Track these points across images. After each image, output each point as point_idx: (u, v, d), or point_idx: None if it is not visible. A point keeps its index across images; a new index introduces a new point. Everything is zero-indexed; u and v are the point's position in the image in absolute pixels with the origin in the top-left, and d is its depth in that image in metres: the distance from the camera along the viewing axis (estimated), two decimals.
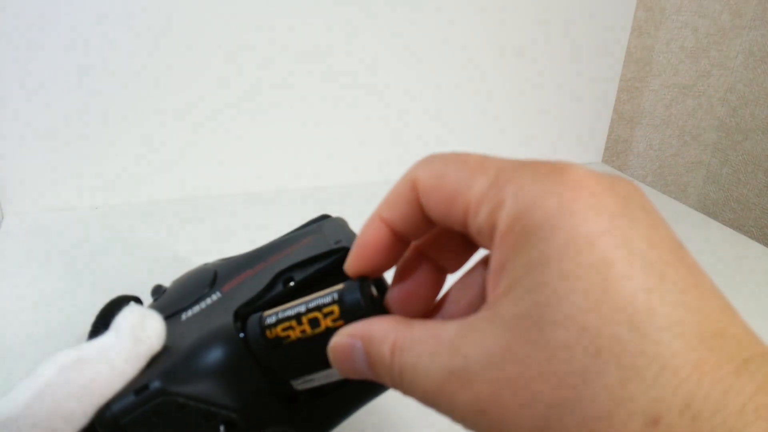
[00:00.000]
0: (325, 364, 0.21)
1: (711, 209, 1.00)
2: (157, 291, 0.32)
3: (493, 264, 0.16)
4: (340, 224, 0.28)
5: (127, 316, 0.23)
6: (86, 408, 0.21)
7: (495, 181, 0.16)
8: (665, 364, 0.12)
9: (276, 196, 0.67)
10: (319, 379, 0.22)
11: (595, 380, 0.13)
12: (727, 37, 0.88)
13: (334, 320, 0.20)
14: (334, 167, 0.70)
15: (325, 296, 0.21)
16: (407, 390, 0.17)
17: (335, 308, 0.20)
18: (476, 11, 0.68)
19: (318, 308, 0.21)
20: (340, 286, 0.21)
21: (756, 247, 0.59)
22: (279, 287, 0.23)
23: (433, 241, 0.20)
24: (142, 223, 0.59)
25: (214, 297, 0.26)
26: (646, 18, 0.83)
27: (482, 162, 0.17)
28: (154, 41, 0.58)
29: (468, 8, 0.68)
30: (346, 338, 0.19)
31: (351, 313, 0.20)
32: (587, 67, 0.76)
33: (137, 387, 0.21)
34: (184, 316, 0.26)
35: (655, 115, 0.91)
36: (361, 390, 0.24)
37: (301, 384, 0.22)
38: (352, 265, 0.20)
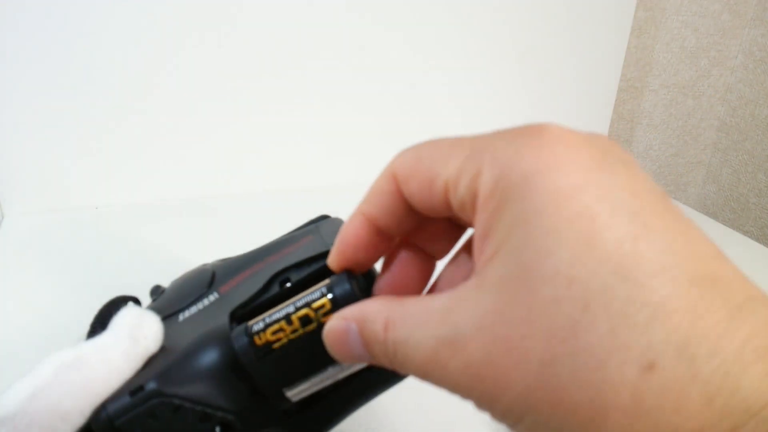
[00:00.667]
0: (320, 364, 0.21)
1: (711, 209, 1.00)
2: (156, 291, 0.32)
3: (477, 231, 0.16)
4: (338, 225, 0.28)
5: (125, 316, 0.23)
6: (83, 407, 0.21)
7: (471, 153, 0.16)
8: (657, 310, 0.12)
9: (276, 196, 0.67)
10: (314, 384, 0.21)
11: (586, 332, 0.13)
12: (727, 36, 0.88)
13: (325, 314, 0.20)
14: (335, 167, 0.70)
15: (313, 292, 0.21)
16: (402, 365, 0.17)
17: (326, 301, 0.20)
18: (476, 11, 0.68)
19: (308, 304, 0.20)
20: (327, 281, 0.20)
21: (756, 247, 0.59)
22: (275, 288, 0.23)
23: (418, 231, 0.20)
24: (142, 223, 0.59)
25: (212, 298, 0.26)
26: (646, 18, 0.83)
27: (456, 140, 0.17)
28: (155, 42, 0.58)
29: (468, 9, 0.68)
30: (340, 321, 0.18)
31: (343, 303, 0.20)
32: (587, 67, 0.76)
33: (133, 388, 0.21)
34: (181, 317, 0.26)
35: (655, 115, 0.91)
36: (358, 390, 0.24)
37: (297, 394, 0.22)
38: (334, 260, 0.20)
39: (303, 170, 0.69)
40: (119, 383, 0.22)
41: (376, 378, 0.23)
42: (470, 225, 0.17)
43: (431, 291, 0.20)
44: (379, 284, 0.20)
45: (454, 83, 0.71)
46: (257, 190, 0.68)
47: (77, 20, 0.55)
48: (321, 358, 0.20)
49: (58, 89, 0.57)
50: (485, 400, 0.15)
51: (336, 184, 0.70)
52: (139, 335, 0.23)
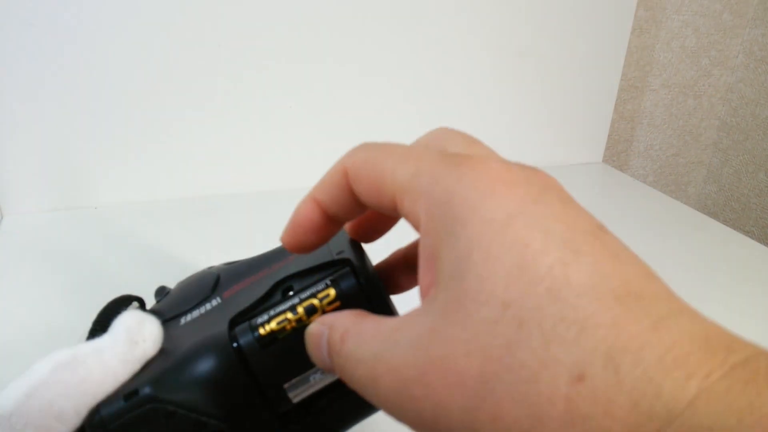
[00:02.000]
0: None
1: (711, 209, 1.00)
2: (161, 292, 0.32)
3: (421, 253, 0.17)
4: (343, 234, 0.28)
5: (125, 318, 0.23)
6: (78, 408, 0.21)
7: (416, 172, 0.17)
8: (584, 326, 0.13)
9: (277, 196, 0.67)
10: (316, 381, 0.21)
11: (520, 349, 0.13)
12: (728, 36, 0.88)
13: (330, 303, 0.20)
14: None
15: (318, 283, 0.21)
16: (346, 379, 0.17)
17: (331, 291, 0.20)
18: (476, 11, 0.68)
19: (313, 294, 0.21)
20: (332, 272, 0.21)
21: (756, 247, 0.59)
22: (277, 296, 0.23)
23: (364, 221, 0.22)
24: (141, 223, 0.59)
25: (214, 303, 0.26)
26: (646, 17, 0.83)
27: (406, 152, 0.18)
28: (155, 42, 0.58)
29: (468, 8, 0.68)
30: (318, 325, 0.19)
31: (348, 294, 0.20)
32: (588, 67, 0.76)
33: (127, 392, 0.21)
34: (183, 321, 0.26)
35: (656, 115, 0.91)
36: (356, 405, 0.23)
37: (299, 393, 0.22)
38: (285, 240, 0.21)
39: (303, 170, 0.69)
40: (115, 385, 0.22)
41: None
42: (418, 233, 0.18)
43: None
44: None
45: (453, 83, 0.71)
46: (257, 190, 0.68)
47: (77, 20, 0.55)
48: None
49: (58, 89, 0.57)
50: (420, 423, 0.15)
51: None
52: (137, 338, 0.23)
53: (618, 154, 0.93)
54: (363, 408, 0.23)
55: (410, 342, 0.15)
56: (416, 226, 0.17)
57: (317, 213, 0.20)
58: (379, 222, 0.23)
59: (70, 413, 0.21)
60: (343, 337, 0.18)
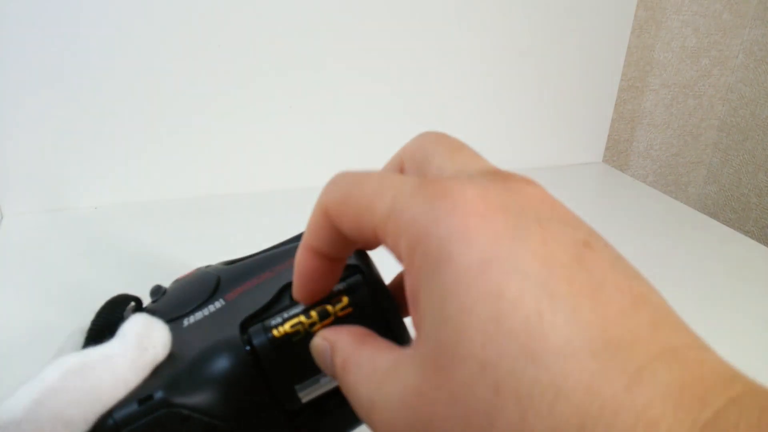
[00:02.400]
0: None
1: (711, 209, 1.00)
2: (157, 292, 0.31)
3: (407, 291, 0.16)
4: None
5: (133, 324, 0.23)
6: (87, 415, 0.21)
7: (392, 207, 0.16)
8: (559, 390, 0.13)
9: (277, 196, 0.67)
10: (326, 382, 0.22)
11: (498, 418, 0.13)
12: (728, 36, 0.88)
13: (343, 308, 0.21)
14: (336, 166, 0.70)
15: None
16: (348, 400, 0.18)
17: (344, 298, 0.21)
18: (476, 11, 0.68)
19: (327, 299, 0.21)
20: (345, 278, 0.21)
21: (756, 247, 0.59)
22: (286, 300, 0.23)
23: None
24: (141, 223, 0.59)
25: (218, 305, 0.26)
26: (646, 17, 0.83)
27: (381, 184, 0.17)
28: (155, 41, 0.58)
29: (468, 8, 0.68)
30: (320, 340, 0.20)
31: (359, 300, 0.20)
32: (587, 67, 0.76)
33: (141, 396, 0.21)
34: (185, 323, 0.26)
35: (656, 115, 0.91)
36: None
37: (308, 393, 0.22)
38: (297, 294, 0.21)
39: (304, 170, 0.69)
40: (125, 392, 0.21)
41: None
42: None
43: None
44: None
45: (454, 83, 0.71)
46: (258, 190, 0.68)
47: (76, 20, 0.55)
48: None
49: (58, 89, 0.57)
50: None
51: None
52: (147, 344, 0.23)
53: (618, 154, 0.93)
54: None
55: (400, 398, 0.15)
56: (400, 262, 0.17)
57: (316, 259, 0.20)
58: None
59: (79, 420, 0.20)
60: (344, 366, 0.18)
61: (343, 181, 0.19)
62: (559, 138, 0.80)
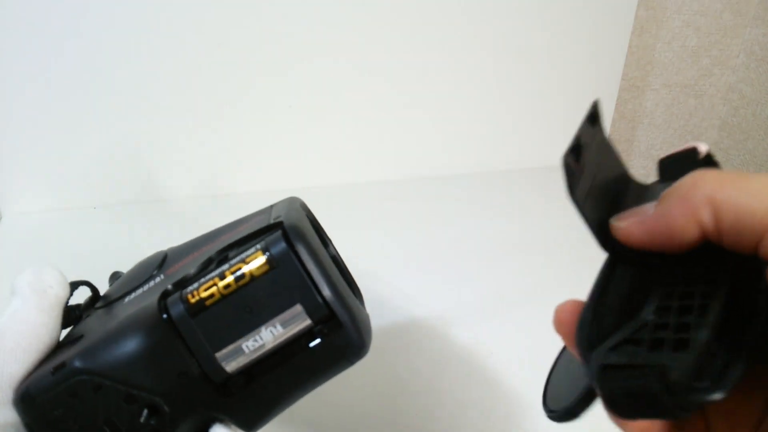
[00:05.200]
0: (253, 323, 0.20)
1: None
2: (114, 277, 0.32)
3: None
4: (290, 202, 0.27)
5: (22, 276, 0.23)
6: (29, 368, 0.21)
7: None
8: None
9: (278, 196, 0.66)
10: (251, 350, 0.21)
11: None
12: (729, 36, 0.88)
13: (259, 267, 0.20)
14: (338, 166, 0.70)
15: (248, 248, 0.20)
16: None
17: (260, 256, 0.20)
18: (476, 11, 0.68)
19: (242, 260, 0.20)
20: (262, 238, 0.20)
21: None
22: (213, 267, 0.22)
23: None
24: (141, 222, 0.59)
25: (158, 280, 0.25)
26: (647, 17, 0.82)
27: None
28: (155, 41, 0.58)
29: (468, 8, 0.67)
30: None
31: (279, 260, 0.19)
32: (588, 67, 0.76)
33: (55, 365, 0.21)
34: (126, 300, 0.25)
35: (657, 115, 0.91)
36: (301, 368, 0.22)
37: (233, 362, 0.21)
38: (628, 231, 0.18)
39: (304, 169, 0.69)
40: (49, 336, 0.22)
41: (321, 356, 0.22)
42: None
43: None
44: None
45: (454, 84, 0.71)
46: (258, 190, 0.68)
47: (77, 19, 0.55)
48: (255, 317, 0.20)
49: (58, 89, 0.57)
50: None
51: (338, 184, 0.70)
52: (43, 286, 0.23)
53: None
54: (306, 377, 0.23)
55: None
56: None
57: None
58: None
59: (22, 374, 0.21)
60: None
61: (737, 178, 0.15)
62: (559, 138, 0.79)
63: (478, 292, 0.52)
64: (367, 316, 0.24)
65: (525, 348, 0.44)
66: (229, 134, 0.64)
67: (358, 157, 0.70)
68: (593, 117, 0.20)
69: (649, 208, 0.17)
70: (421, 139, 0.72)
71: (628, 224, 0.17)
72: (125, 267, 0.50)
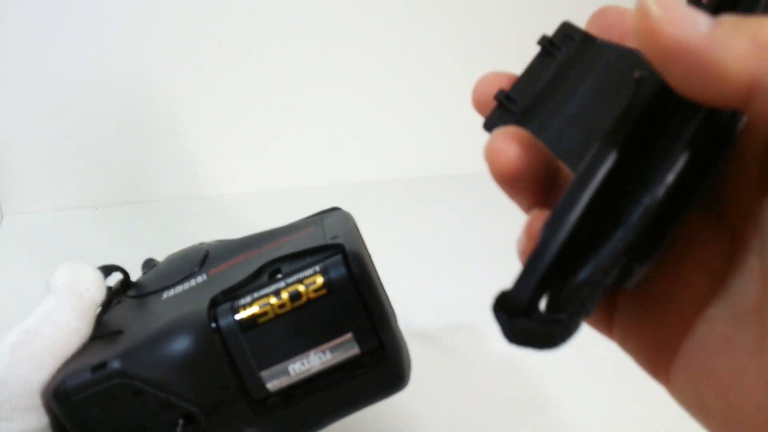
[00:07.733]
0: (303, 346, 0.20)
1: None
2: (147, 265, 0.31)
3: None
4: (344, 218, 0.26)
5: (58, 274, 0.22)
6: (54, 372, 0.20)
7: None
8: None
9: (279, 195, 0.66)
10: (296, 372, 0.21)
11: None
12: None
13: (316, 290, 0.19)
14: (338, 166, 0.70)
15: (306, 269, 0.20)
16: None
17: (318, 278, 0.20)
18: (475, 10, 0.68)
19: (300, 280, 0.20)
20: (321, 259, 0.20)
21: None
22: (264, 278, 0.22)
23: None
24: (141, 223, 0.59)
25: (199, 279, 0.25)
26: None
27: None
28: (155, 41, 0.58)
29: (467, 8, 0.67)
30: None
31: (337, 283, 0.19)
32: None
33: (95, 364, 0.20)
34: (165, 295, 0.25)
35: None
36: (344, 394, 0.22)
37: (277, 382, 0.21)
38: None
39: (305, 169, 0.69)
40: (80, 340, 0.21)
41: (363, 385, 0.22)
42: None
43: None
44: None
45: (453, 84, 0.71)
46: (259, 189, 0.68)
47: (76, 19, 0.55)
48: (306, 340, 0.19)
49: (58, 89, 0.57)
50: None
51: (343, 182, 0.70)
52: (79, 289, 0.22)
53: None
54: (343, 405, 0.22)
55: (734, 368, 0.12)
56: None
57: None
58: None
59: (47, 382, 0.20)
60: None
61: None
62: None
63: (481, 292, 0.51)
64: (407, 348, 0.23)
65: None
66: (229, 134, 0.64)
67: (359, 157, 0.70)
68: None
69: (702, 20, 0.11)
70: (422, 138, 0.72)
71: (668, 15, 0.11)
72: (126, 267, 0.50)
